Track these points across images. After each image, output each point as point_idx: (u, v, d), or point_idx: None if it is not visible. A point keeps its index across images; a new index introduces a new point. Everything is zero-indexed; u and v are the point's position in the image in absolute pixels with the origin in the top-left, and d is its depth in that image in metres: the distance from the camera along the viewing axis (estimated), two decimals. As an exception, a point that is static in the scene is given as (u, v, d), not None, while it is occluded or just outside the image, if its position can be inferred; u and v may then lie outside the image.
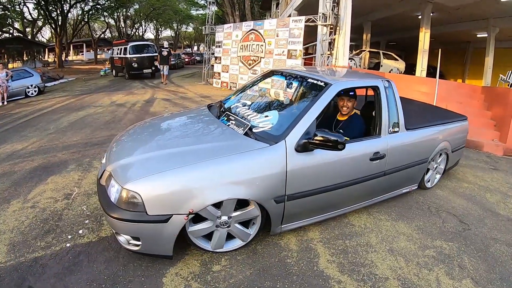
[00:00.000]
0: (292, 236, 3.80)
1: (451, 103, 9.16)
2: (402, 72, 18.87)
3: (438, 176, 5.49)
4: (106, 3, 37.26)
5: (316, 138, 3.26)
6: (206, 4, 53.80)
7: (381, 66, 18.16)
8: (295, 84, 5.00)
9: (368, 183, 4.03)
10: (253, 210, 3.27)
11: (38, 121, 9.57)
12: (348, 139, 3.72)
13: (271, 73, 5.10)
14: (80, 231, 3.71)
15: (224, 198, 3.03)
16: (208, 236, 3.32)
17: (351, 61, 16.09)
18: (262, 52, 14.08)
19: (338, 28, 12.07)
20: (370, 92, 4.41)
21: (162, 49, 19.30)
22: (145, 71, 21.34)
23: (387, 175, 4.19)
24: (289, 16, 20.91)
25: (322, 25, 12.09)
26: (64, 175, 5.34)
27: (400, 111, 4.24)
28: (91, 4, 36.41)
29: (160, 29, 65.32)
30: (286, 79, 4.89)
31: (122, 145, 3.88)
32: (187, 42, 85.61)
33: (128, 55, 20.84)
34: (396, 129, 4.19)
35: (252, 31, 14.61)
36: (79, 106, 11.99)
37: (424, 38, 16.90)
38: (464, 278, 3.23)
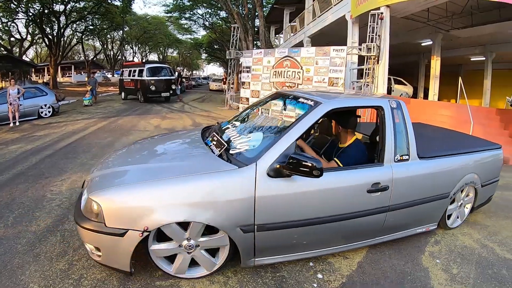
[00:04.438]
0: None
1: (475, 125, 10.21)
2: (410, 96, 20.13)
3: (463, 216, 4.77)
4: (100, 24, 37.25)
5: (290, 162, 2.94)
6: (194, 30, 55.28)
7: (392, 91, 19.25)
8: (289, 105, 4.51)
9: (367, 220, 3.57)
10: (222, 238, 3.09)
11: (85, 146, 8.89)
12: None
13: (275, 95, 4.85)
14: (319, 276, 3.55)
15: (180, 219, 2.93)
16: (171, 258, 3.22)
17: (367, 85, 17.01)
18: (299, 78, 14.66)
19: (377, 58, 13.00)
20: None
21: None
22: (163, 94, 21.41)
23: (392, 211, 3.67)
24: (300, 42, 21.99)
25: (366, 55, 13.03)
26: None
27: (412, 137, 3.73)
28: (85, 24, 36.26)
29: (147, 52, 65.85)
30: (283, 101, 4.56)
31: (107, 159, 4.06)
32: (174, 66, 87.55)
33: (145, 77, 20.86)
34: (405, 157, 3.67)
35: (287, 57, 15.11)
36: (121, 130, 11.61)
37: (436, 65, 18.18)
38: None
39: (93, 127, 12.21)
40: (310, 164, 2.84)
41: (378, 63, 13.00)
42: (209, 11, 44.49)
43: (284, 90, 5.25)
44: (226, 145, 3.54)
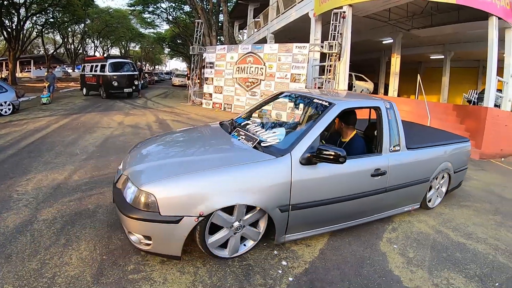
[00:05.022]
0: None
1: (433, 120, 10.76)
2: (371, 92, 20.64)
3: (440, 197, 5.69)
4: (61, 17, 36.02)
5: (319, 152, 3.53)
6: (157, 24, 54.40)
7: (354, 87, 19.67)
8: (301, 104, 5.59)
9: (370, 199, 4.26)
10: (260, 211, 3.56)
11: (49, 144, 8.49)
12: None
13: (281, 94, 5.57)
14: (284, 263, 3.76)
15: (233, 203, 3.32)
16: (222, 244, 3.60)
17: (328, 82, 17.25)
18: (262, 74, 14.89)
19: (339, 56, 13.30)
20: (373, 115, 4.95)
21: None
22: (125, 90, 20.83)
23: (388, 192, 4.42)
24: (264, 38, 22.13)
25: (328, 52, 13.28)
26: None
27: (401, 131, 4.51)
28: (45, 17, 34.72)
29: (109, 46, 64.27)
30: (294, 100, 5.46)
31: (139, 153, 4.23)
32: (136, 60, 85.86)
33: (107, 73, 20.06)
34: (397, 148, 4.44)
35: (250, 53, 15.31)
36: (85, 127, 11.22)
37: (396, 62, 18.75)
38: None
39: (55, 124, 11.73)
40: (335, 153, 3.47)
41: (339, 60, 13.30)
42: (173, 5, 43.96)
43: (289, 90, 6.16)
44: (257, 138, 4.03)
